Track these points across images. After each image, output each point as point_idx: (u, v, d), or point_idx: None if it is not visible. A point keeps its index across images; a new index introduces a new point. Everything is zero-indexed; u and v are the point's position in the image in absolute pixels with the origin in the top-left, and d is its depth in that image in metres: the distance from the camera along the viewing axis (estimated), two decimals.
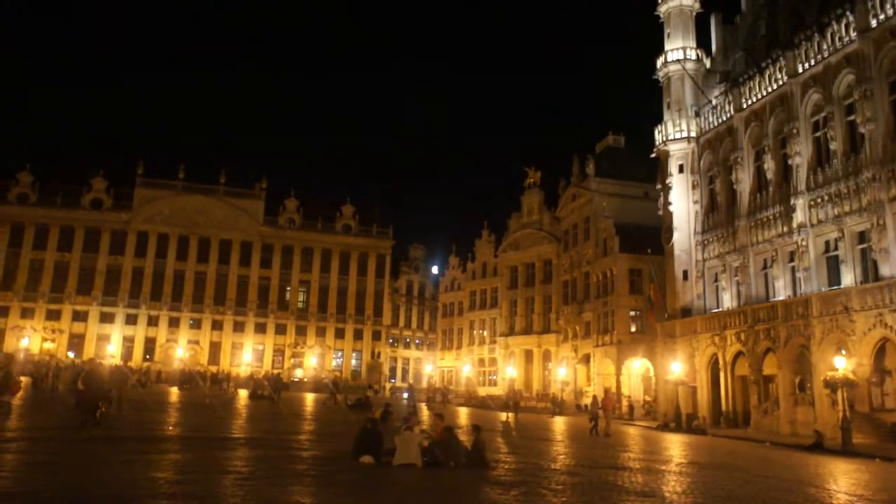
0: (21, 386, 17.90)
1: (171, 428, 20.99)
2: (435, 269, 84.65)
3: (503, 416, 36.15)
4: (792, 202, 35.17)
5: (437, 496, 10.45)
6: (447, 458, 12.91)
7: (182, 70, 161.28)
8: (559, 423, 36.85)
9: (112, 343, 67.21)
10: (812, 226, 34.05)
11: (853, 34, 32.11)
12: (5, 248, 67.32)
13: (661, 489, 12.56)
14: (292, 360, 72.75)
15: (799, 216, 34.70)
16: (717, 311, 40.66)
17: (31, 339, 64.48)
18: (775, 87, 37.47)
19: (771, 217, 37.17)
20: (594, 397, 32.03)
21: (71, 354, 63.95)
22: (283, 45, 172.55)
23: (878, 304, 28.64)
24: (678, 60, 45.22)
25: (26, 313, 66.64)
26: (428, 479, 11.90)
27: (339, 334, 75.19)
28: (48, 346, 65.50)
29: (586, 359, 55.64)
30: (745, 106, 39.98)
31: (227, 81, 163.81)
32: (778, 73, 37.37)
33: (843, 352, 28.33)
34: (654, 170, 47.95)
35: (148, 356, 67.51)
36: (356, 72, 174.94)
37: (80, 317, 68.00)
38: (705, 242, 42.90)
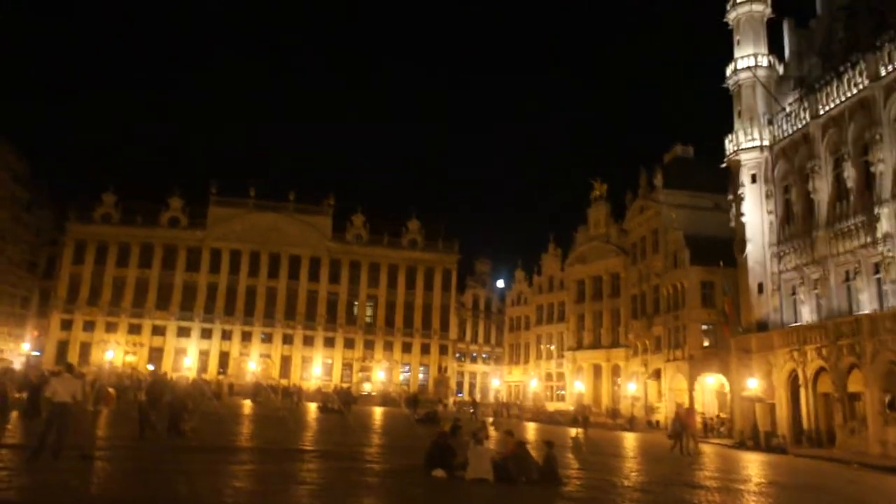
0: (113, 397, 18.83)
1: (247, 440, 21.61)
2: (501, 283, 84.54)
3: (572, 431, 35.60)
4: (876, 211, 33.57)
5: None
6: (519, 473, 12.87)
7: (250, 88, 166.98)
8: (630, 440, 36.10)
9: (189, 356, 69.70)
10: None
11: None
12: (91, 265, 70.94)
13: None
14: (360, 374, 73.69)
15: (884, 225, 33.08)
16: (795, 325, 39.12)
17: (115, 353, 67.52)
18: (855, 91, 35.98)
19: (853, 227, 35.59)
20: (676, 413, 30.45)
21: (150, 367, 66.65)
22: (337, 55, 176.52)
23: None
24: (749, 67, 44.06)
25: (110, 328, 69.91)
26: (500, 494, 11.90)
27: (407, 348, 75.81)
28: (130, 359, 68.45)
29: (657, 374, 54.35)
30: (821, 112, 38.52)
31: (296, 98, 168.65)
32: (858, 76, 35.89)
33: None
34: (724, 180, 46.68)
35: (222, 369, 69.64)
36: (411, 76, 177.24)
37: (158, 331, 70.85)
38: (781, 254, 41.40)
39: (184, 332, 71.13)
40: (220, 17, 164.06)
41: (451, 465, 13.21)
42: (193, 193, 74.39)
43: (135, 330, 70.43)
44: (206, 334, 71.42)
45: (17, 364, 58.42)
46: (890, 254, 32.63)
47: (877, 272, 33.83)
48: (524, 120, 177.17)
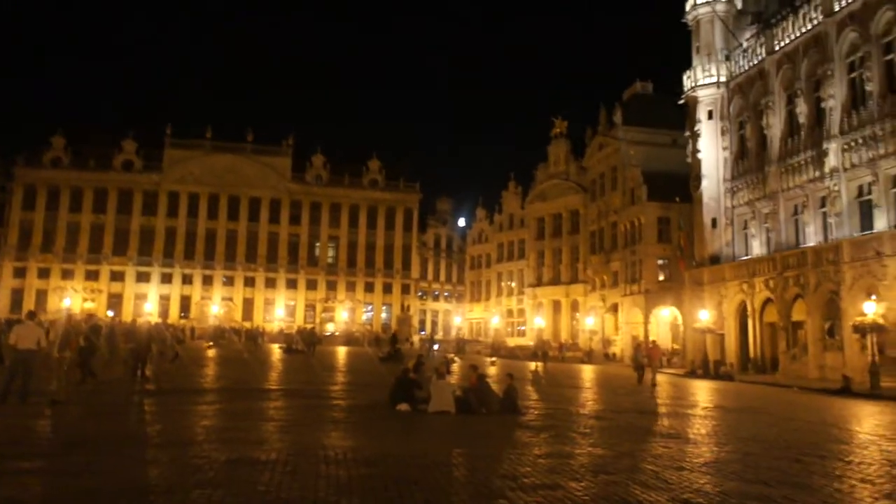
0: (77, 343, 18.89)
1: (212, 381, 21.92)
2: (462, 222, 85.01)
3: (532, 365, 36.79)
4: (824, 146, 34.55)
5: (471, 439, 11.00)
6: (480, 404, 13.47)
7: (203, 29, 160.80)
8: (588, 372, 37.44)
9: (149, 301, 69.18)
10: (845, 170, 33.49)
11: None
12: (43, 211, 69.13)
13: (687, 431, 12.99)
14: (323, 315, 74.21)
15: (832, 160, 34.13)
16: (746, 258, 40.52)
17: (73, 300, 66.55)
18: (810, 27, 36.43)
19: (802, 162, 36.62)
20: (638, 346, 31.24)
21: (110, 313, 66.00)
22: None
23: None
24: (708, 2, 44.04)
25: (66, 274, 68.73)
26: (462, 423, 12.47)
27: (369, 288, 76.37)
28: (88, 305, 67.53)
29: (614, 308, 55.93)
30: (777, 48, 38.99)
31: (249, 38, 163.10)
32: (813, 12, 36.28)
33: (874, 297, 28.17)
34: (682, 117, 47.24)
35: (184, 313, 69.37)
36: (381, 25, 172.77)
37: (117, 277, 69.94)
38: (734, 189, 42.47)
39: (143, 278, 70.35)
40: None
41: (415, 399, 13.74)
42: (148, 136, 72.49)
43: (92, 276, 69.43)
44: (167, 279, 70.78)
45: None
46: (836, 188, 33.79)
47: (823, 206, 35.06)
48: (485, 57, 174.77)
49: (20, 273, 68.09)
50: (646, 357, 28.07)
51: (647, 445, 10.98)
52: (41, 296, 67.30)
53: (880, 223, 31.20)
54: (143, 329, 21.25)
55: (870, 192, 32.26)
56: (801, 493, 7.69)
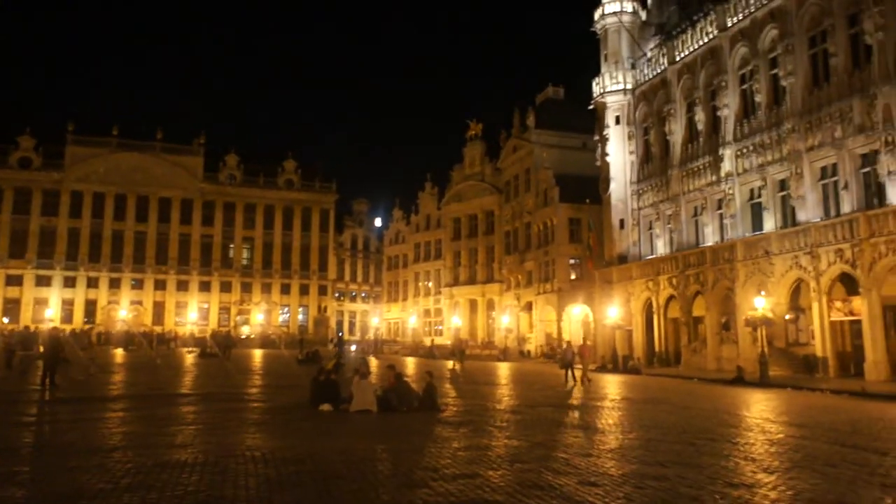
0: None
1: (125, 388, 21.41)
2: (379, 222, 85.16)
3: (450, 364, 37.51)
4: (720, 152, 36.96)
5: (393, 435, 11.45)
6: (400, 403, 13.94)
7: (112, 22, 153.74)
8: (504, 369, 38.51)
9: (50, 307, 65.80)
10: (738, 174, 35.97)
11: None
12: None
13: (595, 422, 13.91)
14: (238, 318, 72.75)
15: (726, 165, 36.56)
16: (651, 257, 42.72)
17: None
18: (706, 40, 38.84)
19: (701, 167, 38.98)
20: (567, 344, 30.83)
21: (6, 320, 62.41)
22: None
23: (794, 247, 30.82)
24: (615, 13, 46.12)
25: None
26: (384, 421, 12.91)
27: (285, 290, 75.40)
28: None
29: (528, 307, 57.55)
30: (677, 59, 41.32)
31: (161, 36, 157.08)
32: (709, 26, 38.69)
33: (763, 293, 30.45)
34: (592, 121, 49.20)
35: (88, 319, 66.39)
36: (297, 25, 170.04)
37: (14, 281, 66.16)
38: (640, 192, 44.66)
39: (43, 281, 66.86)
40: None
41: (337, 399, 14.07)
42: (47, 132, 68.64)
43: None
44: (70, 282, 67.55)
45: None
46: (731, 191, 36.23)
47: (719, 208, 37.49)
48: (403, 59, 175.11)
49: None
50: (577, 355, 27.92)
51: (558, 436, 11.77)
52: None
53: (769, 224, 33.72)
54: (50, 335, 20.50)
55: (760, 196, 34.79)
56: (693, 471, 8.58)
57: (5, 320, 62.36)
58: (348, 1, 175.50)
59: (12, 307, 65.40)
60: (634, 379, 31.54)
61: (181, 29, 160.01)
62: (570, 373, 26.34)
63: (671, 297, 39.78)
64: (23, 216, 66.94)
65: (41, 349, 20.09)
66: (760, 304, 29.24)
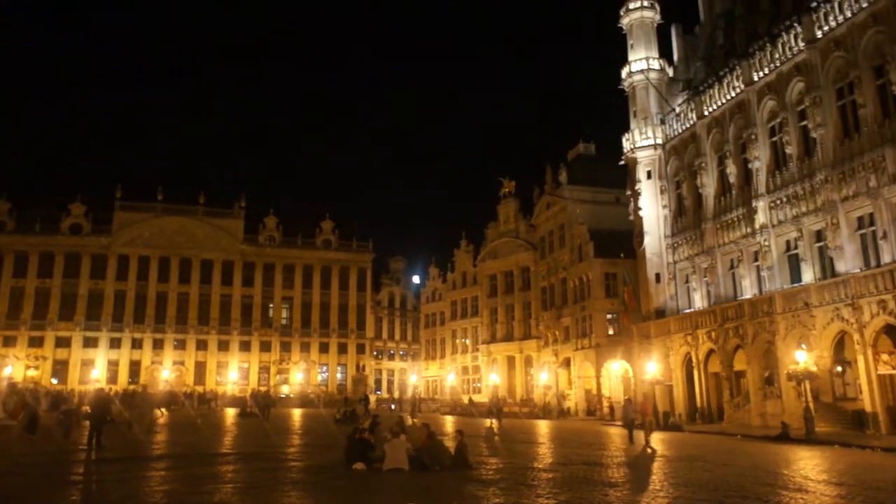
0: (21, 410, 18.90)
1: (167, 447, 21.89)
2: (416, 279, 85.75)
3: (487, 422, 37.27)
4: (753, 204, 36.87)
5: (425, 494, 11.61)
6: (432, 461, 14.09)
7: (152, 89, 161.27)
8: (542, 427, 38.07)
9: (97, 367, 67.36)
10: (773, 226, 35.74)
11: (801, 44, 33.92)
12: None
13: (628, 480, 13.83)
14: (278, 377, 73.35)
15: (760, 217, 36.41)
16: (689, 311, 42.25)
17: (14, 368, 64.41)
18: (733, 94, 39.26)
19: (735, 219, 38.86)
20: (628, 401, 27.97)
21: (55, 381, 64.08)
22: (250, 58, 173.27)
23: (834, 299, 30.28)
24: (642, 71, 47.01)
25: (8, 341, 66.54)
26: (416, 480, 13.07)
27: (324, 349, 75.98)
28: (32, 373, 65.49)
29: (567, 363, 56.99)
30: (706, 113, 41.74)
31: (200, 102, 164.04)
32: (735, 81, 39.16)
33: (804, 346, 29.87)
34: (624, 175, 49.56)
35: (132, 379, 67.69)
36: (332, 86, 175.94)
37: (63, 343, 68.08)
38: (675, 245, 44.54)
39: (90, 343, 68.63)
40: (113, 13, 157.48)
41: (370, 458, 14.29)
42: (97, 199, 71.54)
43: (36, 342, 67.38)
44: (115, 343, 69.21)
45: None
46: (766, 243, 35.97)
47: (756, 260, 37.15)
48: (436, 119, 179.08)
49: None
50: (638, 413, 24.86)
51: (586, 494, 11.77)
52: None
53: (807, 276, 33.28)
54: (97, 396, 21.23)
55: (796, 247, 34.46)
56: None
57: (54, 381, 63.99)
58: (382, 60, 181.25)
59: (61, 368, 67.15)
60: (675, 436, 30.92)
61: (217, 88, 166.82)
62: (633, 433, 23.48)
63: (711, 352, 39.14)
64: (72, 280, 69.32)
65: (87, 409, 20.72)
66: (802, 357, 28.69)
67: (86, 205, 71.35)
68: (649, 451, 20.53)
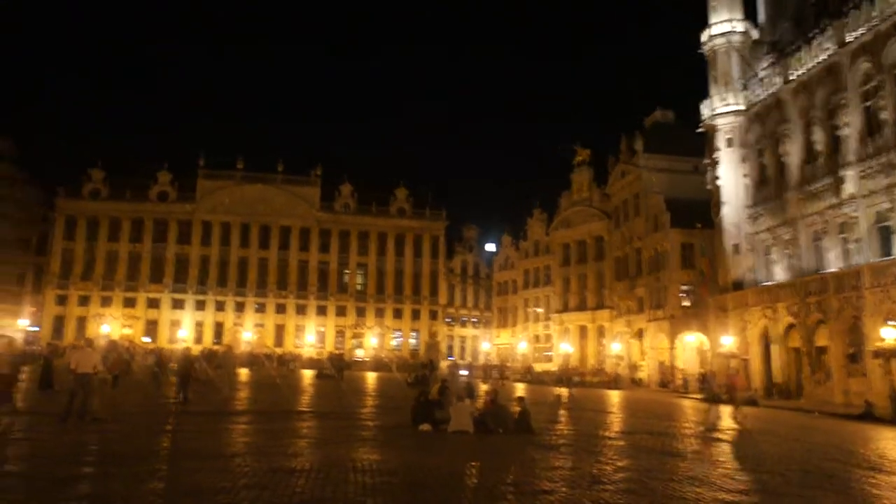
0: (122, 363, 20.52)
1: (247, 404, 23.17)
2: (492, 247, 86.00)
3: (556, 390, 37.42)
4: (841, 173, 35.13)
5: (486, 454, 12.00)
6: (496, 425, 14.47)
7: (232, 58, 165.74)
8: (613, 397, 37.96)
9: (184, 328, 71.19)
10: (863, 196, 33.98)
11: None
12: (83, 241, 71.89)
13: (687, 450, 13.82)
14: (353, 341, 75.50)
15: (849, 187, 34.68)
16: (768, 283, 40.89)
17: (111, 326, 68.84)
18: (824, 57, 37.17)
19: (821, 189, 37.14)
20: (710, 374, 26.45)
21: (146, 339, 68.09)
22: (327, 28, 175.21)
23: None
24: (724, 34, 45.09)
25: (105, 302, 71.15)
26: (479, 442, 13.49)
27: (398, 315, 77.56)
28: (126, 331, 69.79)
29: (639, 334, 56.36)
30: (793, 77, 39.75)
31: (277, 68, 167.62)
32: (826, 42, 37.06)
33: (892, 322, 28.53)
34: (703, 143, 47.96)
35: (217, 339, 71.11)
36: (408, 55, 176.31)
37: (153, 304, 72.19)
38: (755, 216, 43.01)
39: (178, 304, 72.48)
40: None
41: (436, 419, 14.79)
42: (182, 167, 74.98)
43: (130, 303, 71.72)
44: (200, 306, 72.81)
45: (17, 339, 59.57)
46: (854, 214, 34.28)
47: (842, 232, 35.50)
48: (511, 85, 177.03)
49: (61, 300, 70.69)
50: (724, 387, 23.72)
51: (645, 462, 11.88)
52: (81, 322, 69.69)
53: None
54: (184, 355, 22.60)
55: (888, 219, 32.70)
56: (768, 498, 8.57)
57: (146, 339, 68.04)
58: (456, 28, 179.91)
59: (152, 328, 71.34)
60: (749, 410, 30.12)
61: (293, 60, 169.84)
62: (714, 407, 21.18)
63: (791, 326, 37.88)
64: (161, 244, 73.18)
65: (174, 367, 22.16)
66: (890, 334, 27.50)
67: (171, 173, 74.78)
68: (738, 425, 20.16)
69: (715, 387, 22.94)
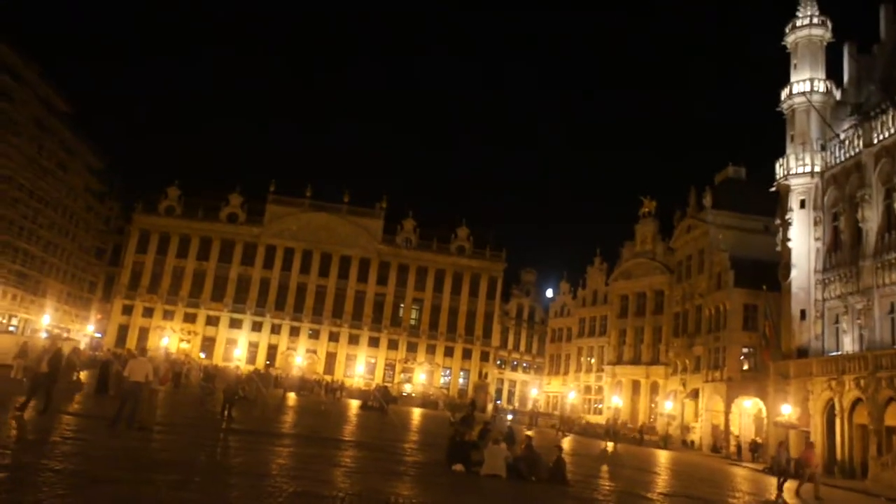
0: (169, 378, 20.98)
1: (290, 428, 23.32)
2: (549, 293, 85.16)
3: (603, 444, 36.42)
4: None
5: (513, 500, 11.68)
6: (529, 472, 14.11)
7: (309, 92, 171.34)
8: (661, 457, 36.63)
9: (239, 347, 72.64)
10: None
11: None
12: (154, 255, 74.79)
13: None
14: (402, 375, 75.42)
15: None
16: (835, 353, 38.99)
17: (171, 339, 70.92)
18: None
19: None
20: (782, 444, 25.59)
21: (202, 355, 69.75)
22: (404, 66, 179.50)
23: None
24: (804, 93, 44.10)
25: (167, 315, 73.47)
26: (509, 487, 13.18)
27: (449, 353, 77.21)
28: (184, 346, 71.76)
29: (694, 394, 54.41)
30: (875, 141, 38.42)
31: (353, 98, 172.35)
32: None
33: None
34: (774, 204, 46.63)
35: (269, 361, 72.27)
36: (474, 96, 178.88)
37: (212, 321, 74.08)
38: (826, 282, 41.31)
39: (235, 324, 74.15)
40: (279, 22, 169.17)
41: (470, 461, 14.53)
42: (253, 190, 77.57)
43: (190, 318, 73.80)
44: (257, 327, 74.29)
45: (82, 344, 62.08)
46: None
47: None
48: (581, 131, 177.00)
49: (127, 310, 73.40)
50: (799, 460, 22.73)
51: None
52: (143, 333, 72.00)
53: None
54: (232, 375, 23.04)
55: None
56: None
57: (202, 355, 69.70)
58: (526, 74, 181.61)
59: (209, 344, 73.11)
60: (805, 486, 28.66)
61: (369, 93, 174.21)
62: (782, 482, 20.38)
63: (858, 401, 35.84)
64: (225, 264, 75.39)
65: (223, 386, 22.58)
66: None
67: (242, 196, 77.34)
68: (816, 498, 20.14)
69: (784, 459, 22.12)
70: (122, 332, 72.28)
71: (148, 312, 73.34)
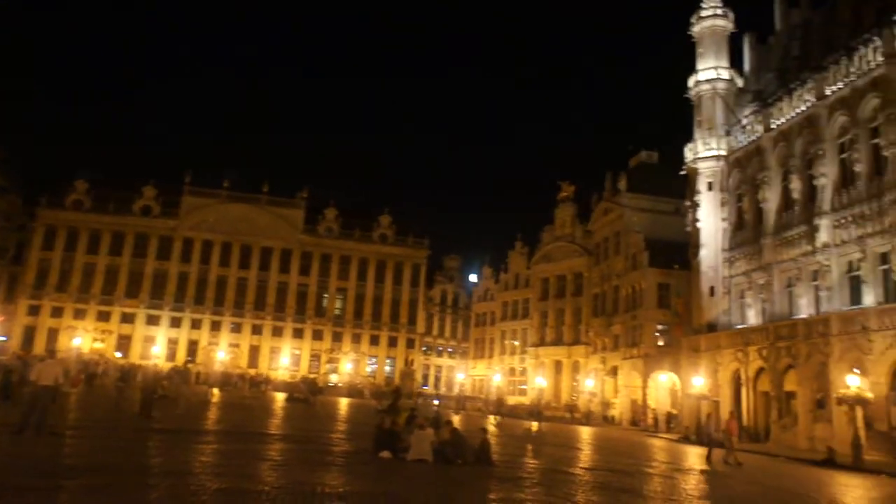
0: (81, 380, 20.13)
1: (213, 424, 22.90)
2: (472, 279, 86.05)
3: (527, 424, 37.39)
4: (816, 222, 35.76)
5: (443, 485, 11.98)
6: (455, 455, 14.45)
7: (225, 77, 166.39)
8: (584, 433, 37.91)
9: (157, 344, 70.23)
10: (835, 246, 34.61)
11: (880, 58, 32.71)
12: (61, 252, 71.11)
13: (644, 489, 13.87)
14: (328, 366, 74.85)
15: (823, 236, 35.30)
16: (741, 326, 41.30)
17: (83, 339, 67.80)
18: (803, 108, 38.12)
19: (796, 236, 37.77)
20: (707, 416, 27.20)
21: (118, 354, 67.11)
22: (318, 51, 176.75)
23: None
24: (709, 80, 46.14)
25: (78, 314, 70.13)
26: (437, 472, 13.45)
27: (374, 341, 77.13)
28: (98, 345, 68.79)
29: (614, 371, 56.45)
30: (773, 126, 40.66)
31: (267, 88, 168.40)
32: (806, 94, 38.03)
33: (857, 370, 28.91)
34: (685, 186, 48.67)
35: (190, 358, 70.23)
36: (392, 79, 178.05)
37: (127, 319, 71.27)
38: (732, 259, 43.58)
39: (153, 320, 71.63)
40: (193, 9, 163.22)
41: (396, 447, 14.74)
42: (167, 183, 74.63)
43: (104, 317, 70.77)
44: (176, 323, 72.01)
45: None
46: (827, 262, 34.86)
47: (815, 279, 36.03)
48: (499, 120, 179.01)
49: (34, 311, 69.63)
50: (722, 431, 24.50)
51: (596, 497, 11.92)
52: (52, 334, 68.48)
53: (868, 298, 32.11)
54: (151, 372, 22.40)
55: (859, 268, 33.28)
56: None
57: (118, 354, 67.02)
58: (447, 60, 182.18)
59: (124, 343, 70.34)
60: (716, 452, 30.35)
61: (285, 83, 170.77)
62: (711, 452, 21.54)
63: (761, 370, 38.17)
64: (140, 259, 72.51)
65: (141, 383, 21.93)
66: (854, 382, 27.77)
67: (156, 188, 74.46)
68: (734, 463, 22.06)
69: (713, 431, 23.81)
70: (29, 333, 68.54)
71: (57, 312, 69.84)
